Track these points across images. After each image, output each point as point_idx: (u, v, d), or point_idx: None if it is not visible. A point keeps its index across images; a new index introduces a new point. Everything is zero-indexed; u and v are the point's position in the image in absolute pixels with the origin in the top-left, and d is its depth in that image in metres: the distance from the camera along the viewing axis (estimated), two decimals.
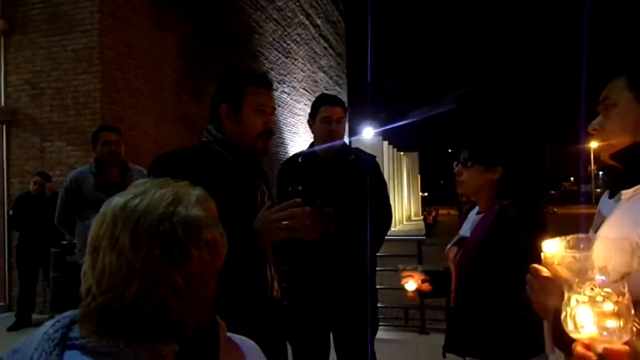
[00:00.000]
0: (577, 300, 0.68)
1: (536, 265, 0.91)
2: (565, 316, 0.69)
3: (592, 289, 0.67)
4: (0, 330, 4.75)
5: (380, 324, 3.60)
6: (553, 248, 0.74)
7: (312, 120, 2.26)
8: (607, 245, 0.69)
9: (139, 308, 0.64)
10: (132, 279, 0.64)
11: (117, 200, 0.69)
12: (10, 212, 5.03)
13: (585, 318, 0.66)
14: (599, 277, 0.67)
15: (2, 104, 5.70)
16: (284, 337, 1.59)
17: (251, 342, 0.82)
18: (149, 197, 0.68)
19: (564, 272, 0.71)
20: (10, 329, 4.74)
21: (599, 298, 0.66)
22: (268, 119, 1.50)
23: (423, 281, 1.74)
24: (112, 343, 0.65)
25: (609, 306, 0.65)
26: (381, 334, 3.64)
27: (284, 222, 1.33)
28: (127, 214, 0.67)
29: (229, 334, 0.78)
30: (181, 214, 0.67)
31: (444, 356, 1.64)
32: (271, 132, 1.52)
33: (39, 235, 4.63)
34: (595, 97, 1.04)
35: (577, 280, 0.69)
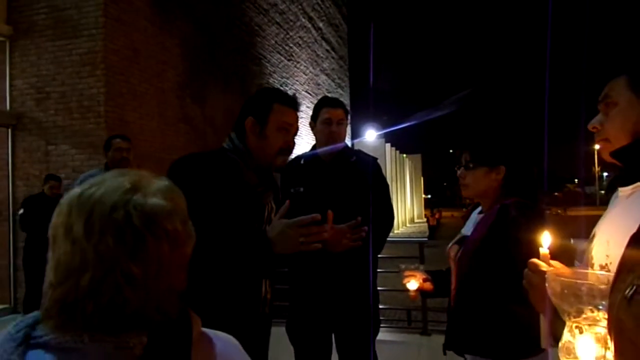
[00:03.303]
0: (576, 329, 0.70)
1: (535, 260, 0.91)
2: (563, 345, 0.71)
3: (591, 310, 0.69)
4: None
5: (383, 325, 3.60)
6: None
7: (313, 123, 2.28)
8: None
9: (94, 298, 0.64)
10: (85, 268, 0.63)
11: (75, 190, 0.68)
12: (21, 211, 5.02)
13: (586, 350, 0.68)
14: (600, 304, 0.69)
15: (8, 107, 5.76)
16: (266, 349, 1.61)
17: (229, 336, 0.80)
18: (105, 185, 0.67)
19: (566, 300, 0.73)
20: None
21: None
22: (290, 137, 1.54)
23: (425, 280, 1.75)
24: (76, 337, 0.64)
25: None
26: (383, 335, 3.64)
27: (301, 238, 1.34)
28: (82, 202, 0.66)
29: (204, 329, 0.76)
30: (137, 201, 0.66)
31: (444, 354, 1.65)
32: (291, 151, 1.56)
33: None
34: (597, 96, 1.04)
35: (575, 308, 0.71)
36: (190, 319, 0.73)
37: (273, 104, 1.51)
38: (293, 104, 1.56)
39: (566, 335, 0.72)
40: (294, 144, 1.57)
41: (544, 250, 0.92)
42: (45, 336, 0.65)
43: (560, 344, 0.74)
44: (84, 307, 0.64)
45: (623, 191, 0.99)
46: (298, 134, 1.61)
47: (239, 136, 1.53)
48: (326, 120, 2.20)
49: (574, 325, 0.71)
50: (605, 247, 0.93)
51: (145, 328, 0.67)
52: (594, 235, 1.03)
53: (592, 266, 0.98)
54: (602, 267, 0.92)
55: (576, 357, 0.70)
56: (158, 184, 0.71)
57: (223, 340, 0.77)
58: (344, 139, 2.27)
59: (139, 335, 0.66)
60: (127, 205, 0.65)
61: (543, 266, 0.89)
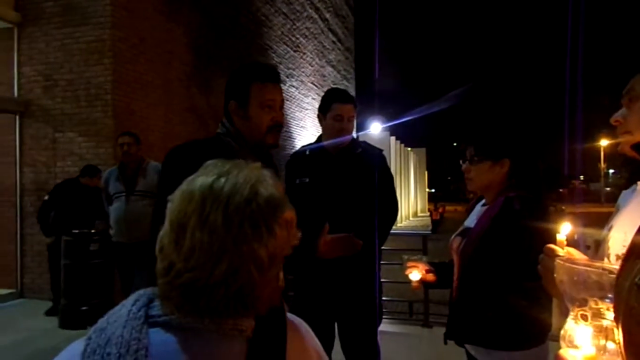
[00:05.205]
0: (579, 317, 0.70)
1: (552, 246, 0.90)
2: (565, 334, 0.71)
3: (595, 302, 0.68)
4: (15, 317, 4.86)
5: (385, 317, 3.62)
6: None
7: (322, 115, 2.27)
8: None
9: (226, 285, 0.67)
10: (223, 256, 0.66)
11: (203, 179, 0.71)
12: (46, 197, 4.90)
13: (583, 337, 0.68)
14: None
15: (15, 95, 5.79)
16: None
17: (303, 321, 0.86)
18: (233, 178, 0.71)
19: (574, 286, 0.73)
20: (48, 313, 4.75)
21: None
22: (277, 113, 1.51)
23: (427, 272, 1.76)
24: (198, 319, 0.68)
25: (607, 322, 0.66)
26: (385, 326, 3.68)
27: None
28: (216, 193, 0.69)
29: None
30: (264, 194, 0.70)
31: (445, 343, 1.68)
32: (281, 126, 1.53)
33: (79, 223, 4.54)
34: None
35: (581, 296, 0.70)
36: (284, 304, 0.79)
37: (251, 85, 1.48)
38: (272, 77, 1.51)
39: (569, 324, 0.72)
40: (282, 118, 1.54)
41: (560, 236, 0.90)
42: (164, 316, 0.69)
43: (562, 332, 0.74)
44: (212, 293, 0.67)
45: None
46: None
47: (228, 120, 1.53)
48: (337, 116, 2.20)
49: (580, 313, 0.71)
50: (623, 238, 0.93)
51: (254, 312, 0.72)
52: (611, 227, 1.03)
53: (608, 256, 0.99)
54: (618, 257, 0.93)
55: (577, 347, 0.71)
56: (271, 176, 0.75)
57: (302, 324, 0.85)
58: (352, 132, 2.28)
59: (248, 318, 0.72)
60: (257, 197, 0.70)
61: (559, 251, 0.88)
